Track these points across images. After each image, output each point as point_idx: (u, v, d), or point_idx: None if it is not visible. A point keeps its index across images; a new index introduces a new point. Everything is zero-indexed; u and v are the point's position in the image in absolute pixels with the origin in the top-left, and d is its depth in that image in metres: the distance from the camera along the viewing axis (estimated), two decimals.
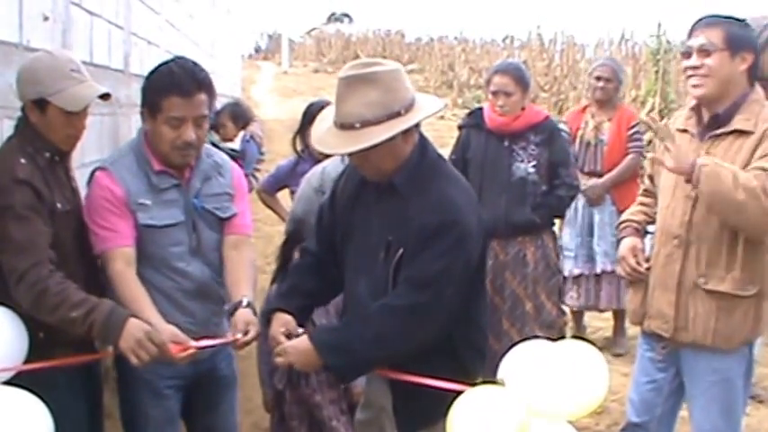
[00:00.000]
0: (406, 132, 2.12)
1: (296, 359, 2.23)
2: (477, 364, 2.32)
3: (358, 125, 2.06)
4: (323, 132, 2.18)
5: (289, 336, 2.28)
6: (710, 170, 2.48)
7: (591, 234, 5.09)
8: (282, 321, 2.33)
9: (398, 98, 2.08)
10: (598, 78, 5.06)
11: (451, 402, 2.04)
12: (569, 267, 5.09)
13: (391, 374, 2.24)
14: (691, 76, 2.66)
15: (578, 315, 5.38)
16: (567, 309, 4.96)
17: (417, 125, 2.17)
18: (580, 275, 5.11)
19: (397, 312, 2.13)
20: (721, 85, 2.61)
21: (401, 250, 2.16)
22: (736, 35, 2.60)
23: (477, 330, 2.32)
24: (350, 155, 2.21)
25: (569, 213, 4.95)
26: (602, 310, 5.30)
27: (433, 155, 2.25)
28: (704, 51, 2.60)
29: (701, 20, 2.67)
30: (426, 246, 2.11)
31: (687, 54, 2.67)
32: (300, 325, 2.36)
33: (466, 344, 2.27)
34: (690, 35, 2.68)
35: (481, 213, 2.31)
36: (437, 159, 2.27)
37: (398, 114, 2.07)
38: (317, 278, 2.43)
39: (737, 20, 2.66)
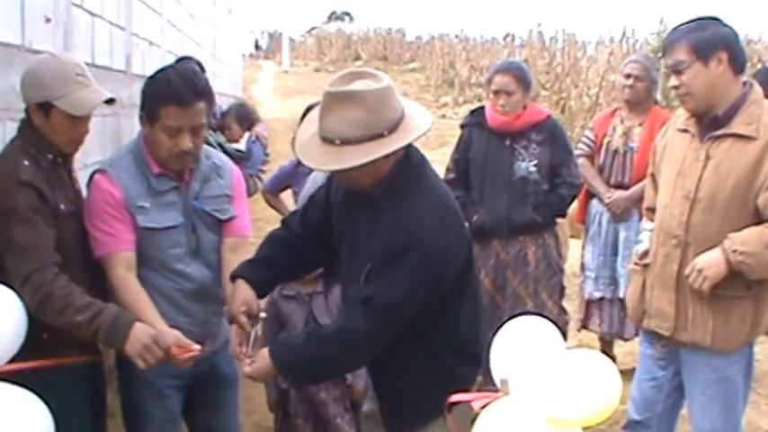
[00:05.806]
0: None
1: (261, 377, 2.26)
2: (470, 369, 2.30)
3: (338, 142, 2.01)
4: (306, 140, 2.13)
5: (250, 315, 2.27)
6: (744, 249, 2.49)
7: (615, 253, 4.46)
8: (244, 299, 2.29)
9: (382, 119, 2.01)
10: (627, 76, 4.45)
11: (439, 406, 2.07)
12: (590, 290, 4.59)
13: None
14: (677, 94, 2.69)
15: (607, 343, 4.73)
16: (594, 335, 4.77)
17: None
18: (602, 299, 4.55)
19: (355, 336, 2.12)
20: (706, 95, 2.61)
21: (369, 265, 2.13)
22: (701, 41, 2.57)
23: (461, 335, 2.25)
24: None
25: (593, 229, 4.57)
26: (626, 339, 4.57)
27: (414, 166, 2.18)
28: (677, 70, 2.62)
29: (668, 37, 2.69)
30: (390, 266, 2.07)
31: (668, 75, 2.69)
32: (261, 296, 2.37)
33: (452, 350, 2.23)
34: (663, 55, 2.70)
35: (462, 226, 2.24)
36: (418, 171, 2.19)
37: (381, 136, 2.01)
38: (290, 255, 2.40)
39: (704, 19, 2.64)
